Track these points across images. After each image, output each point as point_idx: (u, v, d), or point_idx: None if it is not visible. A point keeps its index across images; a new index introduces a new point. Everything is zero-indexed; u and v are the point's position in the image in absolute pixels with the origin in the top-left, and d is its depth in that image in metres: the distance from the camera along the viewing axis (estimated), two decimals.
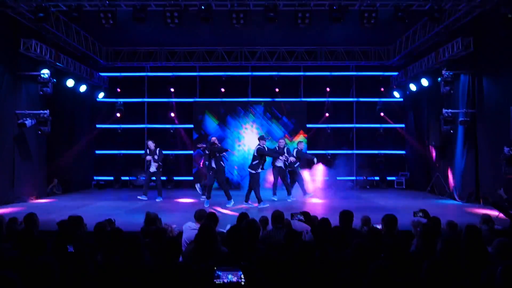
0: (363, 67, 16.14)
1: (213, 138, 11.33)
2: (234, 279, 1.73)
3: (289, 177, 11.92)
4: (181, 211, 9.93)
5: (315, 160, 12.21)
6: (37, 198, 12.25)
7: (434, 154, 13.79)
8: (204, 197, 11.20)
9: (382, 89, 16.15)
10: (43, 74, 11.79)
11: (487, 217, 5.93)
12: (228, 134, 15.94)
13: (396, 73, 15.90)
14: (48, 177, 13.29)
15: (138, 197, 11.91)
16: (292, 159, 11.59)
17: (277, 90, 15.98)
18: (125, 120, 16.06)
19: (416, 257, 4.12)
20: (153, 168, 12.19)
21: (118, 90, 16.03)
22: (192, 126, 16.15)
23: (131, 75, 16.27)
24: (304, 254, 3.57)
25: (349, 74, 16.30)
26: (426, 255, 4.06)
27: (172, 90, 16.02)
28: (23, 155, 11.76)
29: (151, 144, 12.29)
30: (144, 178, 13.54)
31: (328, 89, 16.02)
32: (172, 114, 16.06)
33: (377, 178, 16.22)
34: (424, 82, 13.47)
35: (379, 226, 5.32)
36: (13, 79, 11.41)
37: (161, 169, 12.36)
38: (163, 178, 15.84)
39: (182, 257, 4.60)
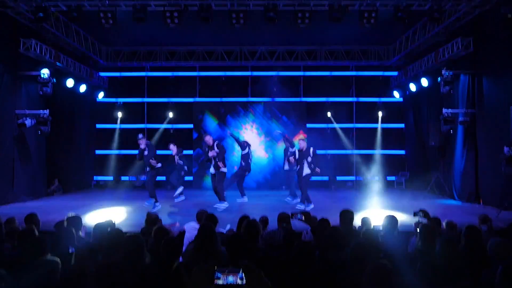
0: (363, 67, 16.14)
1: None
2: (234, 280, 1.73)
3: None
4: (181, 211, 9.93)
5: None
6: (37, 198, 12.25)
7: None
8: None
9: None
10: (43, 74, 11.79)
11: (484, 217, 5.92)
12: (228, 134, 15.94)
13: (396, 73, 15.90)
14: (48, 177, 13.28)
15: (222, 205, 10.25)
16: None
17: (276, 90, 15.96)
18: (125, 120, 16.05)
19: (416, 257, 4.13)
20: (224, 169, 10.34)
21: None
22: (192, 126, 16.14)
23: (131, 75, 16.26)
24: (304, 254, 3.57)
25: (349, 74, 16.30)
26: (426, 255, 4.07)
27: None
28: (23, 155, 11.76)
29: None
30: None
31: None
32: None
33: (377, 178, 16.19)
34: (424, 82, 13.47)
35: (379, 226, 5.32)
36: (13, 79, 11.42)
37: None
38: (163, 178, 15.88)
39: (182, 257, 4.60)
